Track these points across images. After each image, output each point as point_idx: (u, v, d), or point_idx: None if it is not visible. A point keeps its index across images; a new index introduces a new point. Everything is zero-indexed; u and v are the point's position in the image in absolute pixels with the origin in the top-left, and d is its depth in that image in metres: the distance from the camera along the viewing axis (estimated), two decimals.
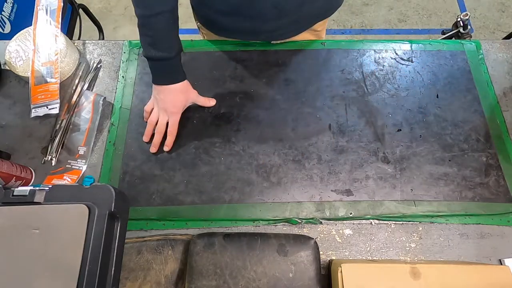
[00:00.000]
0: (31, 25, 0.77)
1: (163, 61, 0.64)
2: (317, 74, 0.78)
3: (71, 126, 0.71)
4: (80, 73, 0.77)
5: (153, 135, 0.69)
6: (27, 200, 0.50)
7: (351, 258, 0.61)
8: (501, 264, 0.60)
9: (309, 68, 0.78)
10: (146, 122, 0.71)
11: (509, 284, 0.48)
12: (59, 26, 0.77)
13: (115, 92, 0.76)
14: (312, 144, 0.70)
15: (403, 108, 0.74)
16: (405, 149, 0.69)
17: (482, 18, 2.06)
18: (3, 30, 1.30)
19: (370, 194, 0.66)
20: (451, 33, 1.50)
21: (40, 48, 0.75)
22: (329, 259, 0.61)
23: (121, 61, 0.79)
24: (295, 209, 0.64)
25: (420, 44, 0.82)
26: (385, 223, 0.63)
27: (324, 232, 0.63)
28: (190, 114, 0.73)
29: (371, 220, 0.64)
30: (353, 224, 0.64)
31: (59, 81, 0.74)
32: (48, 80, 0.73)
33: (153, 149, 0.69)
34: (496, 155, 0.69)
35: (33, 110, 0.72)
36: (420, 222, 0.63)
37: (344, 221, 0.64)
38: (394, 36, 1.99)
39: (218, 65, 0.78)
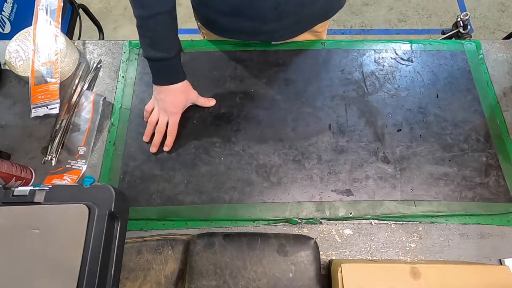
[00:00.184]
0: (31, 25, 0.77)
1: (163, 61, 0.64)
2: (317, 74, 0.78)
3: (71, 126, 0.71)
4: (80, 73, 0.77)
5: (153, 135, 0.69)
6: (27, 200, 0.50)
7: (351, 258, 0.61)
8: (501, 264, 0.60)
9: (309, 68, 0.78)
10: (146, 122, 0.71)
11: (509, 284, 0.48)
12: (59, 26, 0.77)
13: (115, 92, 0.76)
14: (312, 144, 0.70)
15: (403, 108, 0.74)
16: (405, 149, 0.69)
17: (482, 18, 2.06)
18: (3, 30, 1.30)
19: (370, 194, 0.66)
20: (451, 33, 1.50)
21: (40, 48, 0.75)
22: (329, 259, 0.61)
23: (121, 61, 0.79)
24: (295, 209, 0.64)
25: (420, 44, 0.82)
26: (385, 223, 0.64)
27: (324, 232, 0.63)
28: (190, 114, 0.73)
29: (371, 220, 0.64)
30: (353, 224, 0.64)
31: (59, 81, 0.74)
32: (48, 80, 0.73)
33: (153, 149, 0.69)
34: (496, 155, 0.69)
35: (33, 110, 0.72)
36: (420, 222, 0.63)
37: (344, 221, 0.64)
38: (394, 36, 1.99)
39: (218, 65, 0.78)
